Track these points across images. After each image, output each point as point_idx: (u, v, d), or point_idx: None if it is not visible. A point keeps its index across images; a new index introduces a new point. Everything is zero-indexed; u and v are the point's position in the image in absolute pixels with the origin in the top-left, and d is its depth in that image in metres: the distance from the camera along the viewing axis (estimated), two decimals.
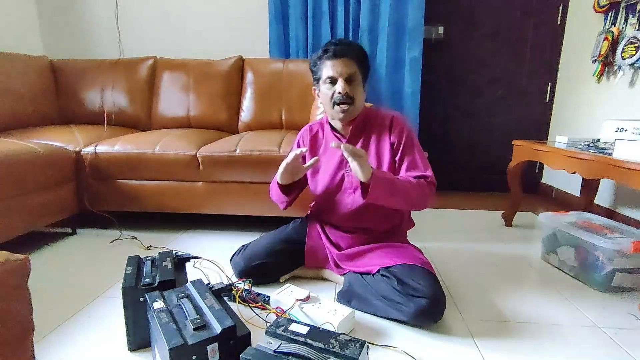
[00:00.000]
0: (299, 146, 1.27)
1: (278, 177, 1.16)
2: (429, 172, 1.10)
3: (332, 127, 1.21)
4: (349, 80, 1.09)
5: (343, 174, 1.18)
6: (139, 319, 0.87)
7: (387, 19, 2.13)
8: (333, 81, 1.10)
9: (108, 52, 2.39)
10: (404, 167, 1.11)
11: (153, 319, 0.77)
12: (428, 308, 0.96)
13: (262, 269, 1.21)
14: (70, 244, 1.60)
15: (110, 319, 1.05)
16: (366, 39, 2.19)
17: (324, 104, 1.16)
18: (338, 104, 1.10)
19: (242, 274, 1.21)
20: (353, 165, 0.99)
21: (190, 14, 2.36)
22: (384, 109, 1.21)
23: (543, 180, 2.59)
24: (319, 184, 1.23)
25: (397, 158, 1.12)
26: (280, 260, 1.24)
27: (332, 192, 1.20)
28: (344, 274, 1.19)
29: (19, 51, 2.09)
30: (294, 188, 1.23)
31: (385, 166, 1.14)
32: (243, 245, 1.30)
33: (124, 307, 0.87)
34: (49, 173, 1.52)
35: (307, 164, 1.13)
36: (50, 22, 2.43)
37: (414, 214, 1.33)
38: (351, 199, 1.17)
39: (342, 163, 1.17)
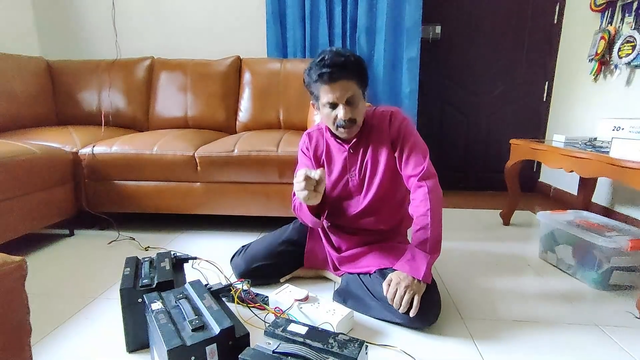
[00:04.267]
0: (304, 155, 1.23)
1: (306, 202, 1.02)
2: (426, 163, 1.07)
3: (333, 134, 1.18)
4: (349, 102, 1.04)
5: (347, 179, 1.18)
6: (137, 320, 0.87)
7: (384, 19, 2.13)
8: (333, 106, 1.05)
9: (105, 52, 2.38)
10: (404, 159, 1.10)
11: (151, 320, 0.76)
12: (421, 312, 0.96)
13: (263, 271, 1.21)
14: (68, 246, 1.60)
15: (108, 320, 1.04)
16: (364, 39, 2.19)
17: (326, 122, 1.13)
18: (340, 127, 1.07)
19: (242, 275, 1.21)
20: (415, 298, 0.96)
21: (187, 14, 2.36)
22: (382, 107, 1.18)
23: (541, 179, 2.60)
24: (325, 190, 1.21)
25: (396, 154, 1.11)
26: (281, 261, 1.24)
27: (338, 197, 1.20)
28: (342, 275, 1.19)
29: (16, 52, 2.09)
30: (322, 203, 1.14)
31: (384, 165, 1.12)
32: (243, 247, 1.30)
33: (122, 308, 0.87)
34: (46, 174, 1.52)
35: (317, 172, 0.98)
36: (46, 22, 2.42)
37: None
38: (356, 202, 1.18)
39: (346, 168, 1.17)
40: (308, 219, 1.14)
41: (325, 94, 1.04)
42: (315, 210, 1.13)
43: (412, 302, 0.96)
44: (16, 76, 1.99)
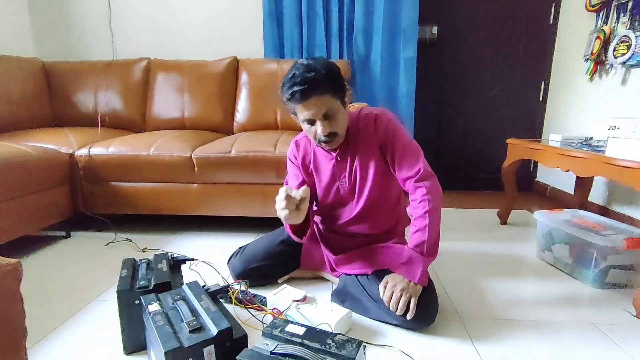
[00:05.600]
0: (292, 163, 1.22)
1: (287, 221, 1.04)
2: (421, 164, 1.03)
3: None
4: (327, 117, 1.01)
5: (338, 186, 1.16)
6: (135, 322, 0.87)
7: (381, 20, 2.13)
8: (311, 122, 1.02)
9: (101, 53, 2.37)
10: (396, 162, 1.07)
11: (149, 322, 0.76)
12: (419, 313, 0.96)
13: (260, 272, 1.21)
14: (65, 247, 1.59)
15: (105, 322, 1.04)
16: (360, 39, 2.20)
17: (308, 135, 1.10)
18: (322, 142, 1.05)
19: (240, 276, 1.20)
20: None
21: (184, 14, 2.35)
22: (367, 109, 1.13)
23: (537, 179, 2.61)
24: (315, 198, 1.22)
25: (387, 158, 1.08)
26: (278, 262, 1.24)
27: (330, 204, 1.19)
28: (340, 276, 1.19)
29: (11, 53, 2.07)
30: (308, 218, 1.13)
31: (373, 170, 1.09)
32: (240, 248, 1.29)
33: (119, 310, 0.86)
34: (42, 176, 1.51)
35: (299, 192, 0.99)
36: (42, 23, 2.41)
37: None
38: (348, 209, 1.17)
39: (335, 176, 1.15)
40: (290, 234, 1.13)
41: (301, 112, 1.01)
42: (298, 229, 1.11)
43: (409, 305, 0.96)
44: (12, 77, 1.98)
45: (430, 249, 1.00)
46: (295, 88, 0.96)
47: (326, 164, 1.16)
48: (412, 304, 0.95)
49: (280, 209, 0.98)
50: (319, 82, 0.97)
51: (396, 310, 0.96)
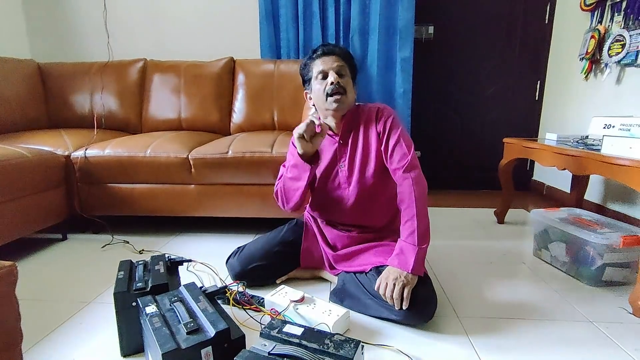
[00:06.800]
0: (294, 146, 1.25)
1: (298, 148, 1.09)
2: (410, 156, 1.09)
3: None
4: (339, 74, 1.12)
5: (337, 169, 1.19)
6: (132, 324, 0.86)
7: (377, 20, 2.14)
8: (324, 75, 1.13)
9: (97, 54, 2.36)
10: (389, 152, 1.12)
11: (146, 324, 0.76)
12: (418, 308, 0.97)
13: (259, 272, 1.21)
14: (61, 250, 1.58)
15: (102, 324, 1.03)
16: (357, 39, 2.20)
17: (317, 101, 1.16)
18: (331, 95, 1.11)
19: (238, 277, 1.20)
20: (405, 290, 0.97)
21: (180, 15, 2.34)
22: (371, 104, 1.22)
23: (534, 177, 2.62)
24: (315, 181, 1.24)
25: (382, 147, 1.13)
26: (277, 262, 1.24)
27: (328, 188, 1.22)
28: (338, 274, 1.19)
29: (6, 55, 2.06)
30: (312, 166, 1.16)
31: (372, 157, 1.15)
32: (238, 248, 1.29)
33: (116, 312, 0.86)
34: (37, 178, 1.50)
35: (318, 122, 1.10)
36: (37, 24, 2.40)
37: None
38: (346, 194, 1.18)
39: (336, 158, 1.19)
40: (293, 173, 1.14)
41: (318, 66, 1.14)
42: (306, 159, 1.13)
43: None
44: (6, 79, 1.97)
45: (421, 236, 1.02)
46: (320, 47, 1.17)
47: (329, 147, 1.21)
48: (405, 293, 0.96)
49: (299, 129, 1.06)
50: (339, 49, 1.17)
51: (392, 303, 0.97)
